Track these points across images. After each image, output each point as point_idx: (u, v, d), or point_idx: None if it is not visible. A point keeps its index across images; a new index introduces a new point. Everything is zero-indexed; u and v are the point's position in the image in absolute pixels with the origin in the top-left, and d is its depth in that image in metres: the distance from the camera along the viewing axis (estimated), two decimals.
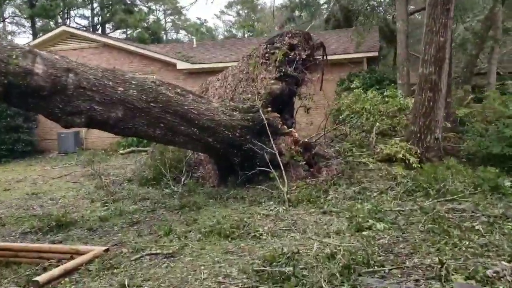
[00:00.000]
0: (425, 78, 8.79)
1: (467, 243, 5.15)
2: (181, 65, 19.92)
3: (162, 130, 8.21)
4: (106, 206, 9.32)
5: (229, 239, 6.11)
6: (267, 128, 8.67)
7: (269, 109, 9.15)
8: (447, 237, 5.43)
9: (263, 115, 8.84)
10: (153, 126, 8.03)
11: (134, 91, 7.74)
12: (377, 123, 10.04)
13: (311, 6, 32.48)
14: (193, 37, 24.78)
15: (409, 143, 9.00)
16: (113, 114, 7.53)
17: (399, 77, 15.53)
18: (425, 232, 5.74)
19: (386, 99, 9.89)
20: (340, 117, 11.83)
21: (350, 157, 9.08)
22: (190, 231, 6.66)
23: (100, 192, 10.79)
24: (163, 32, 52.93)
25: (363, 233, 5.93)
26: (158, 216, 8.08)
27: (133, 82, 7.84)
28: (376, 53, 18.81)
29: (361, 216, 6.49)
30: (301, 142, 8.93)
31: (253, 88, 9.86)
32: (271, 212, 7.40)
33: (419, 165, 8.57)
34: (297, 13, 37.23)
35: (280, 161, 8.34)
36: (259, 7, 56.82)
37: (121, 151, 18.07)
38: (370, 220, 6.24)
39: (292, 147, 8.85)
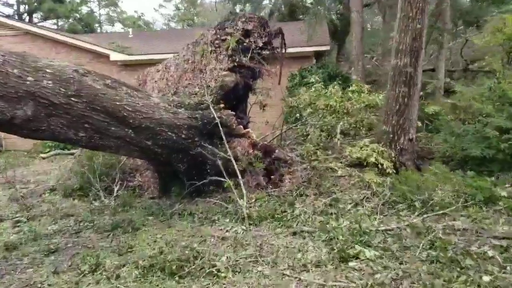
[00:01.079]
0: (399, 71, 7.70)
1: (489, 278, 4.00)
2: (115, 56, 17.88)
3: (88, 132, 6.50)
4: (18, 226, 7.43)
5: (177, 278, 4.60)
6: (220, 128, 7.20)
7: (222, 105, 7.68)
8: (459, 269, 4.26)
9: (214, 113, 7.35)
10: (76, 127, 6.31)
11: (50, 82, 5.99)
12: (341, 122, 8.87)
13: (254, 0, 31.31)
14: (129, 28, 22.55)
15: (381, 145, 7.88)
16: (20, 112, 5.76)
17: (354, 72, 14.63)
18: (427, 261, 4.55)
19: (351, 95, 8.76)
20: (297, 115, 10.58)
21: (315, 161, 7.83)
22: (124, 265, 5.07)
23: (13, 206, 8.80)
24: (97, 25, 49.51)
25: (350, 263, 4.66)
26: (83, 241, 6.38)
27: (48, 70, 6.09)
28: (327, 47, 17.84)
29: (341, 238, 5.21)
30: (260, 145, 7.54)
31: (201, 81, 8.33)
32: (228, 233, 5.96)
33: (393, 171, 7.46)
34: (239, 7, 35.86)
35: (236, 168, 6.90)
36: (198, 1, 54.83)
37: (42, 154, 15.77)
38: (355, 246, 4.97)
39: (250, 151, 7.45)
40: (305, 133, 9.06)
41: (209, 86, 7.99)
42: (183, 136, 7.25)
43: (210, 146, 7.32)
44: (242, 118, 8.46)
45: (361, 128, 9.57)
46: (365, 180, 7.16)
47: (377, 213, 6.22)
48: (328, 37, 18.73)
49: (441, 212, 5.87)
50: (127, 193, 8.53)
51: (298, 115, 10.41)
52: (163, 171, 8.03)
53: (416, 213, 6.03)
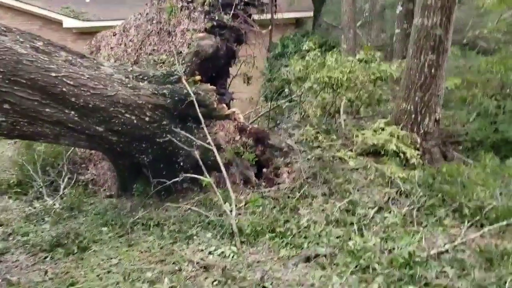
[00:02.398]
0: (425, 33, 6.02)
1: None
2: (68, 22, 15.48)
3: (9, 116, 4.60)
4: None
5: None
6: (197, 107, 5.38)
7: (198, 77, 5.83)
8: None
9: (188, 87, 5.51)
10: None
11: None
12: (344, 99, 7.16)
13: None
14: None
15: (400, 127, 6.25)
16: None
17: (344, 41, 12.88)
18: None
19: (361, 65, 7.05)
20: (286, 90, 8.84)
21: (317, 149, 6.14)
22: None
23: None
24: None
25: None
26: (8, 268, 4.55)
27: None
28: (310, 13, 16.02)
29: (378, 268, 3.58)
30: (249, 129, 5.77)
31: (169, 46, 6.42)
32: (211, 256, 4.24)
33: (420, 161, 5.86)
34: None
35: (219, 160, 5.12)
36: None
37: None
38: (405, 285, 3.34)
39: (236, 138, 5.68)
40: (302, 113, 7.32)
41: (181, 52, 6.11)
42: (146, 118, 5.40)
43: (183, 132, 5.50)
44: (223, 94, 6.63)
45: (368, 105, 7.92)
46: (386, 174, 5.54)
47: (412, 223, 4.62)
48: (311, 1, 16.86)
49: (505, 223, 4.29)
50: (76, 191, 6.66)
51: (287, 90, 8.64)
52: (121, 165, 6.17)
53: (467, 224, 4.44)
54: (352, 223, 4.65)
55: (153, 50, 6.68)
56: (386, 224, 4.61)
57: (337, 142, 6.39)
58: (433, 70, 6.06)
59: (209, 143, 5.28)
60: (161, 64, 6.18)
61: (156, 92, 5.52)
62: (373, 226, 4.63)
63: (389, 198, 5.17)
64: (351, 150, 6.15)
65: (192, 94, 5.45)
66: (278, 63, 13.75)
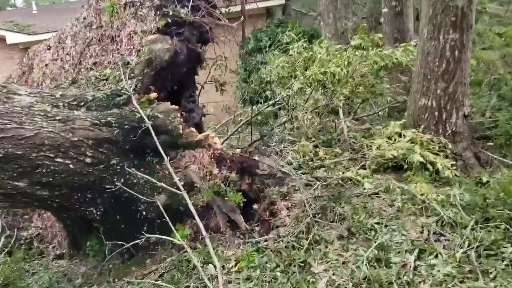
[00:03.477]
0: (443, 6, 4.65)
1: None
2: (13, 37, 13.75)
3: None
4: None
5: None
6: (154, 137, 3.91)
7: (153, 94, 4.36)
8: None
9: (140, 110, 4.04)
10: None
11: None
12: (342, 99, 5.76)
13: None
14: (33, 1, 17.98)
15: (421, 130, 4.91)
16: None
17: (324, 27, 11.50)
18: None
19: (357, 54, 5.65)
20: (268, 92, 7.43)
21: (320, 169, 4.75)
22: None
23: None
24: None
25: None
26: None
27: None
28: (281, 1, 14.63)
29: None
30: (230, 157, 4.31)
31: (114, 56, 4.92)
32: None
33: (455, 173, 4.52)
34: None
35: (192, 209, 3.66)
36: None
37: None
38: None
39: (215, 171, 4.22)
40: (293, 121, 5.89)
41: (128, 63, 4.62)
42: (87, 160, 3.92)
43: (140, 173, 4.03)
44: (191, 111, 5.17)
45: (364, 100, 6.53)
46: (415, 196, 4.17)
47: (473, 272, 3.26)
48: None
49: None
50: (15, 255, 5.13)
51: (269, 92, 7.23)
52: (67, 219, 4.67)
53: None
54: (390, 283, 3.26)
55: (95, 63, 5.17)
56: (437, 279, 3.24)
57: (344, 157, 5.00)
58: (456, 53, 4.71)
59: (176, 185, 3.82)
60: (104, 82, 4.67)
61: (97, 121, 4.03)
62: (419, 283, 3.26)
63: (429, 232, 3.80)
64: (363, 167, 4.77)
65: (146, 119, 3.97)
66: (253, 59, 12.29)
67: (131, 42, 4.86)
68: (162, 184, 3.77)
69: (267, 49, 11.41)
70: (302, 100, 6.13)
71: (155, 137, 3.89)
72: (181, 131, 4.23)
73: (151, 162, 4.27)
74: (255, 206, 4.41)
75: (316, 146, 5.24)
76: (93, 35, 5.36)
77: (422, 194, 4.20)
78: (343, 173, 4.68)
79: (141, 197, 4.10)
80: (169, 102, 4.34)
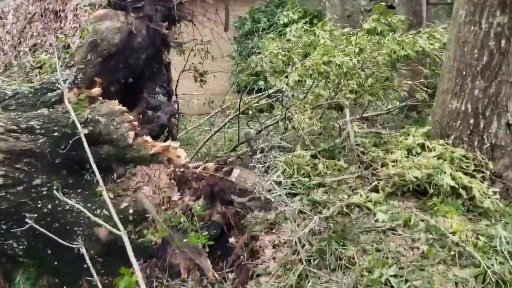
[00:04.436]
0: None
1: None
2: None
3: None
4: None
5: None
6: (87, 148, 2.80)
7: (96, 90, 3.24)
8: None
9: (73, 113, 2.93)
10: None
11: None
12: (349, 95, 4.60)
13: None
14: None
15: (449, 140, 3.79)
16: None
17: (329, 8, 10.26)
18: None
19: (371, 39, 4.48)
20: (260, 83, 6.33)
21: (319, 189, 3.66)
22: None
23: None
24: None
25: None
26: None
27: None
28: None
29: None
30: (197, 176, 3.20)
31: (56, 35, 3.79)
32: None
33: (497, 202, 3.41)
34: None
35: (130, 253, 2.56)
36: None
37: None
38: None
39: (175, 197, 3.12)
40: (286, 123, 4.76)
41: (68, 46, 3.48)
42: None
43: (68, 200, 2.93)
44: (157, 108, 4.05)
45: (372, 95, 5.36)
46: (444, 235, 3.08)
47: None
48: None
49: None
50: None
51: (262, 83, 6.12)
52: None
53: None
54: None
55: (35, 45, 4.04)
56: None
57: (349, 174, 3.89)
58: (503, 42, 3.56)
59: (125, 212, 2.73)
60: (38, 70, 3.56)
61: (14, 127, 2.93)
62: None
63: None
64: (375, 189, 3.66)
65: (78, 124, 2.86)
66: (249, 43, 11.12)
67: (77, 19, 3.73)
68: (96, 219, 2.67)
69: (264, 31, 10.20)
70: (300, 94, 4.99)
71: (87, 149, 2.77)
72: (130, 140, 3.11)
73: (91, 181, 3.17)
74: (232, 239, 3.32)
75: (314, 156, 4.12)
76: (36, 9, 4.22)
77: (453, 233, 3.10)
78: (348, 196, 3.57)
79: (76, 228, 3.03)
80: (117, 101, 3.21)
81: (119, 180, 3.16)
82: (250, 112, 5.94)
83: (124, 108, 3.16)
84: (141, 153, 3.14)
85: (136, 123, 3.25)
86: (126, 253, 2.97)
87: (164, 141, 3.56)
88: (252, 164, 4.02)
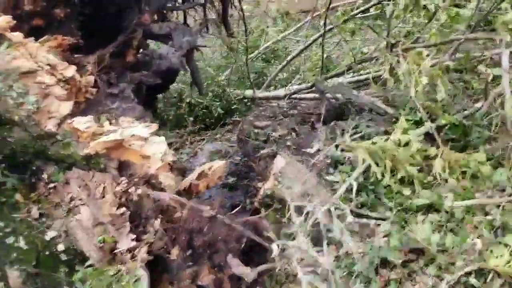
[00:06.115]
0: None
1: None
2: None
3: None
4: None
5: None
6: None
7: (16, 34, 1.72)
8: None
9: None
10: None
11: None
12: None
13: None
14: None
15: None
16: None
17: None
18: None
19: None
20: None
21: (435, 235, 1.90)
22: None
23: None
24: None
25: None
26: None
27: None
28: None
29: None
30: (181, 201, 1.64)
31: None
32: None
33: None
34: None
35: None
36: None
37: None
38: None
39: (126, 245, 1.62)
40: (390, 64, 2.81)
41: None
42: None
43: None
44: (166, 40, 2.42)
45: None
46: None
47: None
48: None
49: None
50: None
51: None
52: None
53: None
54: None
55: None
56: None
57: (495, 185, 2.00)
58: None
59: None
60: None
61: None
62: None
63: None
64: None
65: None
66: None
67: None
68: None
69: None
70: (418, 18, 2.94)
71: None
72: (51, 126, 1.60)
73: (10, 188, 1.79)
74: None
75: (431, 138, 2.26)
76: None
77: None
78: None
79: None
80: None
81: (51, 186, 1.76)
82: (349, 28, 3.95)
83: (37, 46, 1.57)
84: (69, 151, 1.65)
85: (85, 83, 1.71)
86: None
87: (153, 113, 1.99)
88: (313, 145, 2.30)
